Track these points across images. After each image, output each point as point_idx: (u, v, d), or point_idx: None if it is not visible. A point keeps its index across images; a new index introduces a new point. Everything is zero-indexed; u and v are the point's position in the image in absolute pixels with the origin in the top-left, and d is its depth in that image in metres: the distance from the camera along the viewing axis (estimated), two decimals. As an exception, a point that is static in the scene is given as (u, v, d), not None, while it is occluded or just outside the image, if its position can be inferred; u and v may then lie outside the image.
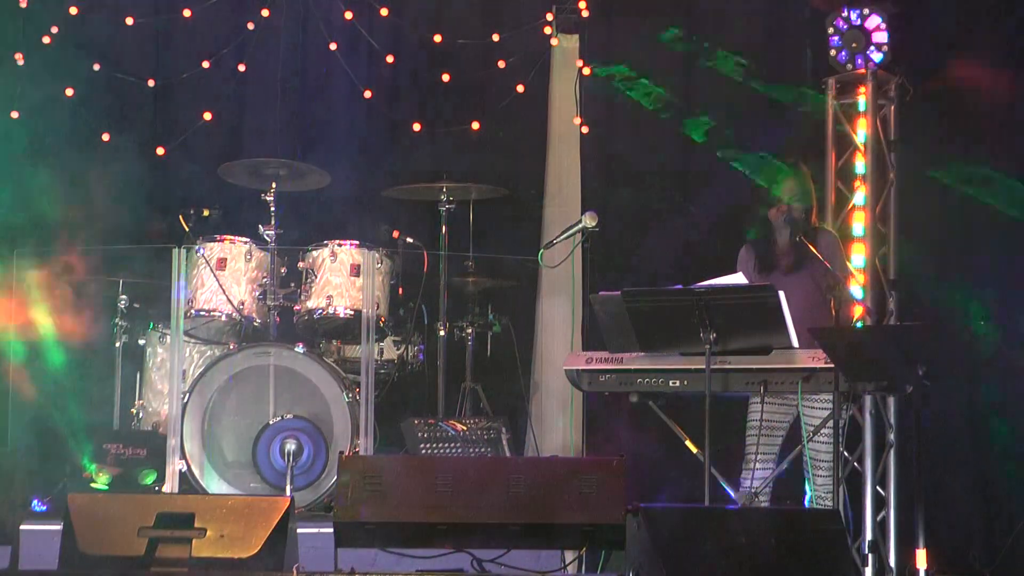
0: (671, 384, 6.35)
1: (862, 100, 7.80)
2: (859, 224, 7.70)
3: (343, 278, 7.56)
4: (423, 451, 7.33)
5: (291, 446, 7.12)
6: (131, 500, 5.82)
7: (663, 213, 8.56)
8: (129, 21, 8.54)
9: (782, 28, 8.50)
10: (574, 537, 5.69)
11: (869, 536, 7.36)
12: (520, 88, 8.66)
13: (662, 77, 8.63)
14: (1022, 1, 7.99)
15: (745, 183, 8.22)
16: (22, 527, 5.69)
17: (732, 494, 6.48)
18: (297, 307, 7.60)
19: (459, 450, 7.37)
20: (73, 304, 7.79)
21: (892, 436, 7.53)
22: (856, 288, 7.32)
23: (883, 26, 7.74)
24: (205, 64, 8.56)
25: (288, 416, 7.27)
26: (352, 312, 7.51)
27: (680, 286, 6.26)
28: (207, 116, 8.54)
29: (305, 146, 8.55)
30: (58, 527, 5.49)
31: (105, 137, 8.50)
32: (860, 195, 7.75)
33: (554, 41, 8.70)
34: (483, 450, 7.40)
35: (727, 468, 6.56)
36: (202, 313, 7.51)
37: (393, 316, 7.74)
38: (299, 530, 5.71)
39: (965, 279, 7.87)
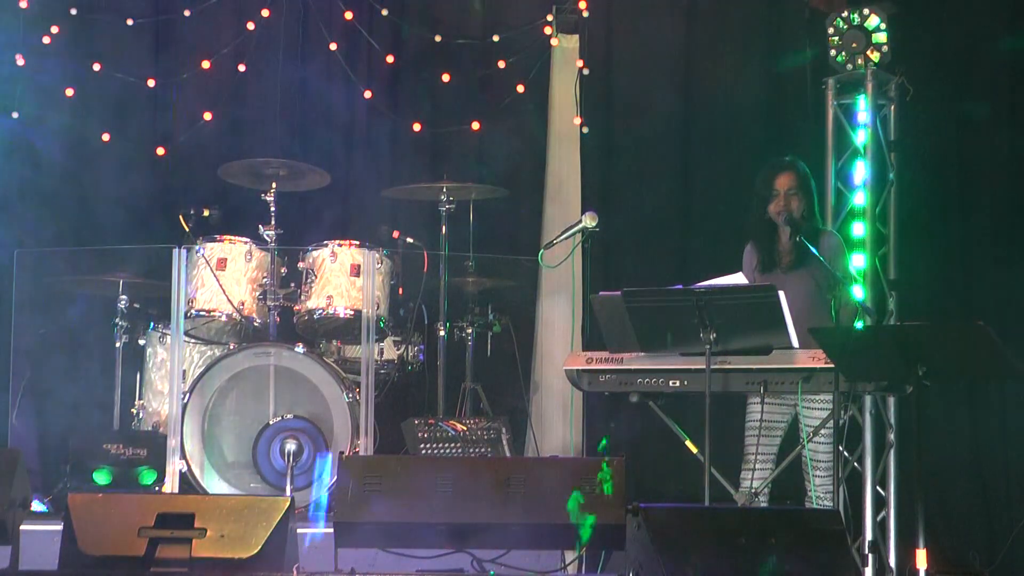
0: (671, 384, 6.35)
1: (862, 100, 7.80)
2: (859, 224, 7.69)
3: (343, 278, 7.55)
4: (423, 451, 7.32)
5: (291, 446, 7.12)
6: (131, 500, 5.80)
7: (664, 213, 8.55)
8: (129, 21, 8.54)
9: (782, 28, 8.49)
10: (574, 537, 5.69)
11: (869, 536, 7.36)
12: (520, 88, 8.66)
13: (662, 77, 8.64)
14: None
15: (748, 182, 8.21)
16: (22, 527, 5.68)
17: (732, 494, 6.48)
18: (297, 307, 7.59)
19: (459, 450, 7.36)
20: None
21: (892, 436, 7.53)
22: (857, 289, 7.32)
23: (883, 26, 7.74)
24: (205, 64, 8.56)
25: (288, 416, 7.27)
26: (352, 312, 7.51)
27: (680, 286, 6.25)
28: (207, 116, 8.54)
29: (305, 146, 8.55)
30: (58, 527, 5.49)
31: (105, 137, 8.50)
32: (860, 195, 7.74)
33: (554, 41, 8.69)
34: (483, 450, 7.40)
35: (727, 468, 6.55)
36: (202, 313, 7.51)
37: (393, 316, 7.74)
38: (299, 530, 5.71)
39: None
